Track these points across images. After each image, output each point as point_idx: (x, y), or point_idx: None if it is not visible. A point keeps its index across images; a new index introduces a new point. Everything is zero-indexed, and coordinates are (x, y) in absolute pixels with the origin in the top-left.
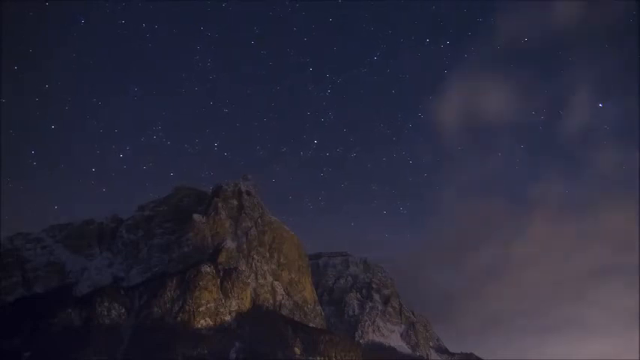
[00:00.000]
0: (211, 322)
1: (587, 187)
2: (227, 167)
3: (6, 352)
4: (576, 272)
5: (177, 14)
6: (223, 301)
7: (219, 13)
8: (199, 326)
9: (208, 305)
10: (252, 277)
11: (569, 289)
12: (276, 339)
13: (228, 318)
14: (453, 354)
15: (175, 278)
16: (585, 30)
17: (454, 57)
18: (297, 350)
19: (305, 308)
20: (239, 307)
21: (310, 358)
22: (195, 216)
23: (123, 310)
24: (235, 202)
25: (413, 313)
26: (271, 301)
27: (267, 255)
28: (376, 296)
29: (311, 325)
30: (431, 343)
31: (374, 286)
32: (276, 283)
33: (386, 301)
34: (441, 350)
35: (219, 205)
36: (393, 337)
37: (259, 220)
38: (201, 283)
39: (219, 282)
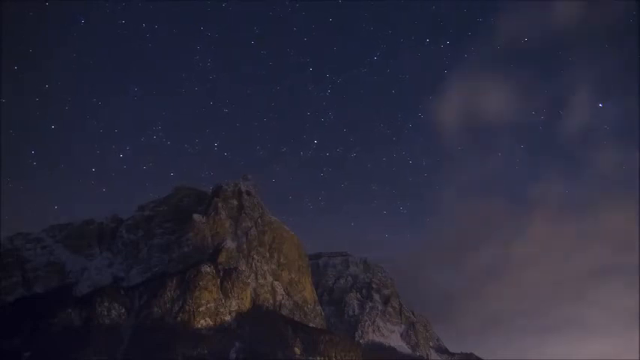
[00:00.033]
0: (211, 322)
1: (587, 187)
2: (227, 167)
3: (6, 352)
4: (576, 272)
5: (177, 14)
6: (223, 301)
7: (219, 13)
8: (199, 326)
9: (208, 305)
10: (252, 277)
11: (569, 289)
12: (276, 339)
13: (228, 318)
14: (453, 354)
15: (175, 278)
16: (585, 30)
17: (454, 57)
18: (297, 350)
19: (305, 308)
20: (239, 307)
21: (310, 358)
22: (195, 216)
23: (123, 310)
24: (235, 202)
25: (413, 313)
26: (271, 301)
27: (267, 255)
28: (376, 296)
29: (311, 325)
30: (431, 343)
31: (374, 286)
32: (276, 283)
33: (386, 301)
34: (441, 350)
35: (219, 205)
36: (393, 337)
37: (259, 220)
38: (201, 283)
39: (219, 282)
